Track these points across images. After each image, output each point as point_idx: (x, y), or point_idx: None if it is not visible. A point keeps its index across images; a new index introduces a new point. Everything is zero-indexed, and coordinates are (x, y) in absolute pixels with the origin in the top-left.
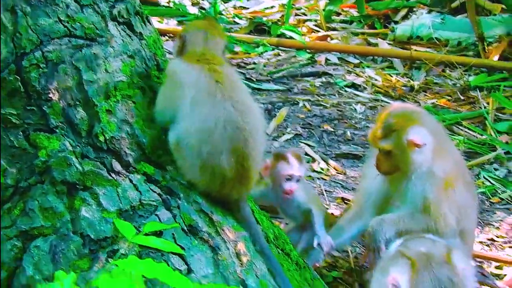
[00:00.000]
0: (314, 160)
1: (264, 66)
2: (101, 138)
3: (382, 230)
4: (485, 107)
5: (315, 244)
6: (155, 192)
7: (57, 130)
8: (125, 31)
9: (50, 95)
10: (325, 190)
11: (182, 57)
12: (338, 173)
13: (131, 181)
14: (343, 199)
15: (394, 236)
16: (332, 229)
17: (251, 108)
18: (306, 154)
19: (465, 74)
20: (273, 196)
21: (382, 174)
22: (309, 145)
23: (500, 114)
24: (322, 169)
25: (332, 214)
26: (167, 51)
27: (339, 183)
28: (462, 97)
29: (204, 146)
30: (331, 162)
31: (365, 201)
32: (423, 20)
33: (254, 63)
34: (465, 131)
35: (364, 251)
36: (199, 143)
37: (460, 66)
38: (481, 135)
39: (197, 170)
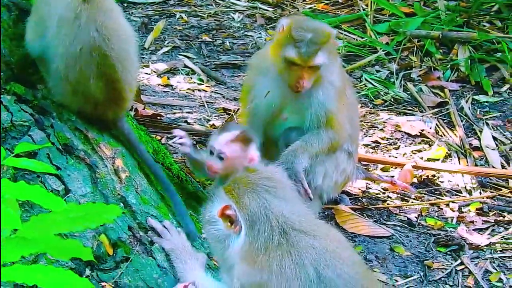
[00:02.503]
0: (193, 71)
1: None
2: None
3: (298, 161)
4: (364, 9)
5: None
6: (26, 112)
7: None
8: None
9: None
10: (206, 102)
11: None
12: (218, 83)
13: (1, 102)
14: (224, 109)
15: (308, 162)
16: None
17: (119, 30)
18: (185, 66)
19: None
20: None
21: (299, 93)
22: (188, 57)
23: (379, 16)
24: (202, 80)
25: (213, 125)
26: None
27: (220, 93)
28: (340, 1)
29: (72, 72)
30: (211, 72)
31: (254, 123)
32: None
33: None
34: (345, 35)
35: None
36: (66, 69)
37: None
38: (361, 37)
39: (68, 94)
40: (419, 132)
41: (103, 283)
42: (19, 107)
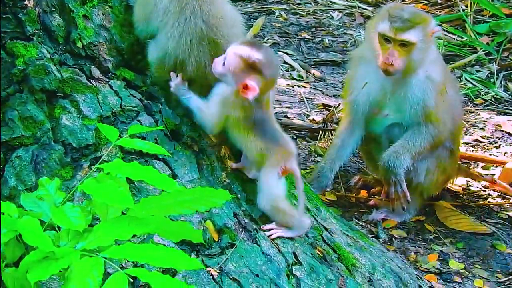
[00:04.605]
0: (293, 68)
1: None
2: (79, 44)
3: (399, 163)
4: (463, 10)
5: None
6: (135, 97)
7: (34, 38)
8: None
9: (25, 2)
10: (306, 98)
11: None
12: (318, 80)
13: (111, 87)
14: (324, 105)
15: (410, 162)
16: (329, 150)
17: (225, 17)
18: (285, 62)
19: None
20: None
21: (389, 74)
22: (287, 54)
23: (479, 17)
24: (301, 76)
25: (313, 120)
26: None
27: (319, 90)
28: (439, 1)
29: (188, 63)
30: (311, 69)
31: (355, 115)
32: None
33: None
34: (445, 34)
35: (383, 185)
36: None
37: None
38: (461, 37)
39: None
40: None
41: (208, 268)
42: (128, 93)
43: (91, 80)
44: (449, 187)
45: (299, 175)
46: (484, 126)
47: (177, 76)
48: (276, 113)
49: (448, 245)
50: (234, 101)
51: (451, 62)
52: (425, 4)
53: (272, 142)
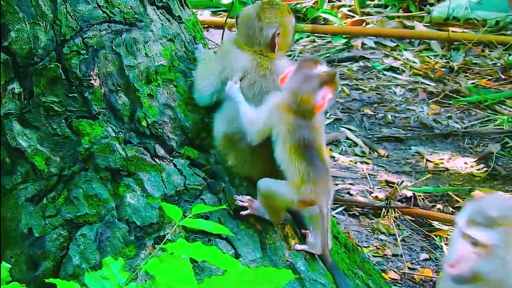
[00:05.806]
0: (355, 144)
1: (300, 52)
2: (144, 123)
3: None
4: None
5: None
6: (199, 176)
7: (99, 116)
8: (164, 15)
9: (92, 81)
10: (369, 174)
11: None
12: (381, 156)
13: (175, 165)
14: (387, 182)
15: None
16: None
17: None
18: (347, 138)
19: (505, 53)
20: None
21: None
22: (350, 129)
23: None
24: (364, 152)
25: (376, 197)
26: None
27: (382, 166)
28: (503, 76)
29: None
30: (373, 145)
31: None
32: (459, 1)
33: (291, 50)
34: (509, 110)
35: None
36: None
37: (499, 46)
38: None
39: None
40: None
41: None
42: (192, 171)
43: (156, 159)
44: None
45: (326, 215)
46: None
47: (235, 82)
48: (338, 189)
49: None
50: (281, 113)
51: None
52: (489, 80)
53: (313, 170)
